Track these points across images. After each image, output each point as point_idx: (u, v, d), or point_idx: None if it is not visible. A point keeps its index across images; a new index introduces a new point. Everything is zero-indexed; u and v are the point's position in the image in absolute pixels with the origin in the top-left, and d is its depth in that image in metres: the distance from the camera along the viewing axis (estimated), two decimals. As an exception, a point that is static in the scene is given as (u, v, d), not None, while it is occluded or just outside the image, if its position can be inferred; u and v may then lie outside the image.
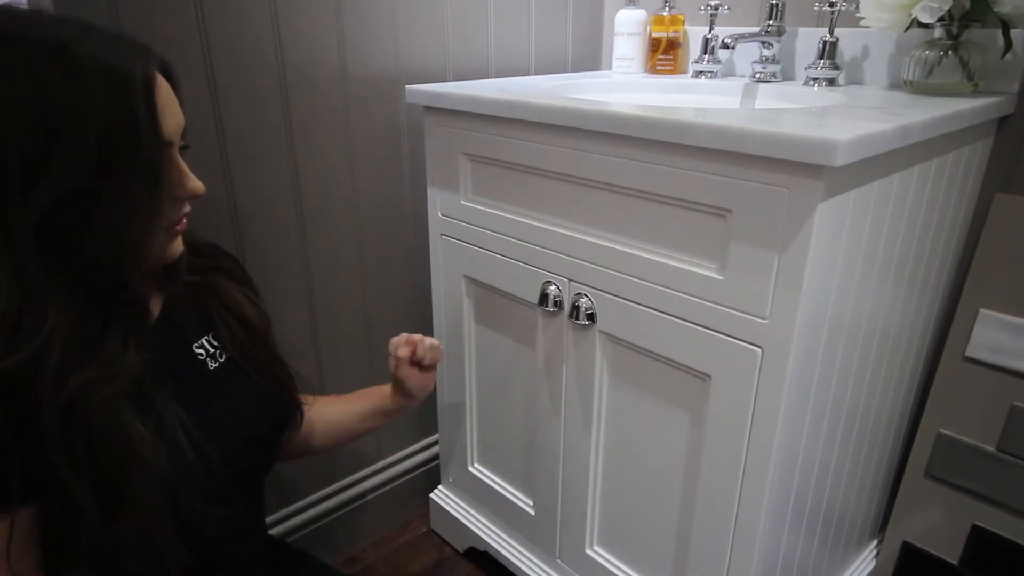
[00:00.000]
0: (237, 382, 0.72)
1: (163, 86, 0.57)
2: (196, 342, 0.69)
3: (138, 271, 0.58)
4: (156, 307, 0.67)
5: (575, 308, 0.90)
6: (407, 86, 1.04)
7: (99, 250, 0.55)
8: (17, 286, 0.51)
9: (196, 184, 0.61)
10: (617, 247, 0.83)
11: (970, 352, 0.99)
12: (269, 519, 1.21)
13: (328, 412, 0.91)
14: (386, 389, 0.94)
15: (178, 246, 0.63)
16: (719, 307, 0.75)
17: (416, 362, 0.90)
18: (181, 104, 0.61)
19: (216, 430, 0.65)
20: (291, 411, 0.78)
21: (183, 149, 0.61)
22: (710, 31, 1.21)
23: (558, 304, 0.92)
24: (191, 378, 0.67)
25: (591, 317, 0.89)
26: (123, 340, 0.57)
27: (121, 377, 0.56)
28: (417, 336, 0.90)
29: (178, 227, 0.62)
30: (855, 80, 1.11)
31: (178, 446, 0.60)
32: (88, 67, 0.52)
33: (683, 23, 1.30)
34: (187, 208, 0.63)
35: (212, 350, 0.70)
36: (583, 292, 0.89)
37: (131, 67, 0.53)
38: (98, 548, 0.55)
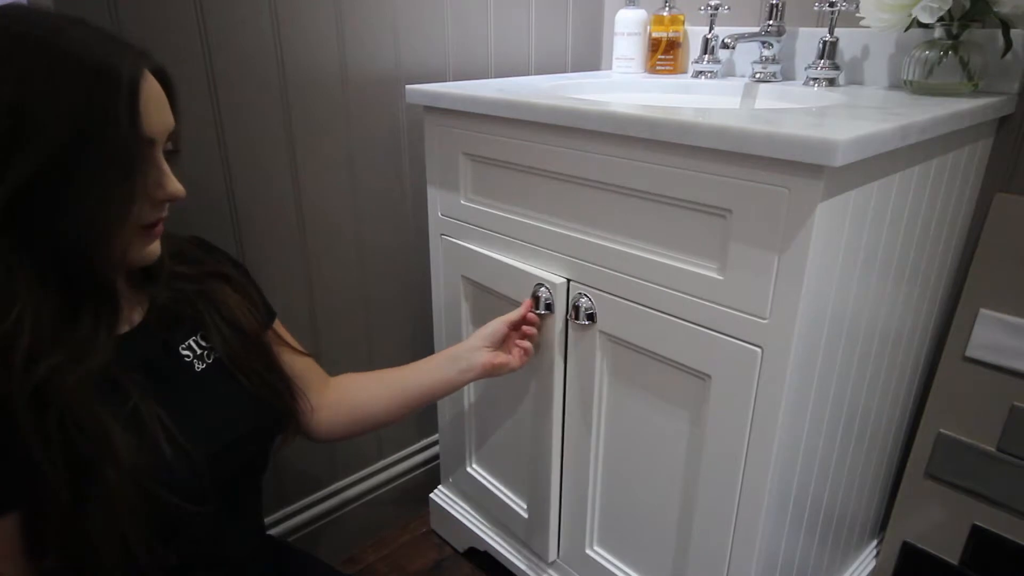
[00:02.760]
0: (224, 384, 0.71)
1: (153, 87, 0.57)
2: (183, 343, 0.69)
3: (108, 260, 0.58)
4: (140, 309, 0.66)
5: (575, 308, 0.89)
6: (407, 86, 1.04)
7: (69, 235, 0.55)
8: None
9: (176, 187, 0.60)
10: (617, 247, 0.83)
11: (970, 352, 0.99)
12: (269, 519, 1.21)
13: (360, 392, 0.89)
14: (444, 366, 0.91)
15: (154, 249, 0.63)
16: (719, 307, 0.75)
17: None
18: (175, 111, 0.61)
19: (200, 430, 0.64)
20: (284, 418, 0.77)
21: (171, 154, 0.61)
22: (710, 31, 1.21)
23: (549, 307, 0.92)
24: (175, 379, 0.67)
25: (591, 317, 0.89)
26: (94, 324, 0.57)
27: (92, 360, 0.56)
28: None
29: (155, 229, 0.62)
30: (855, 80, 1.11)
31: (155, 442, 0.60)
32: (72, 59, 0.52)
33: (683, 23, 1.30)
34: (164, 212, 0.62)
35: (200, 351, 0.70)
36: (583, 292, 0.89)
37: (117, 64, 0.53)
38: (67, 535, 0.55)
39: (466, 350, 0.92)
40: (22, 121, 0.51)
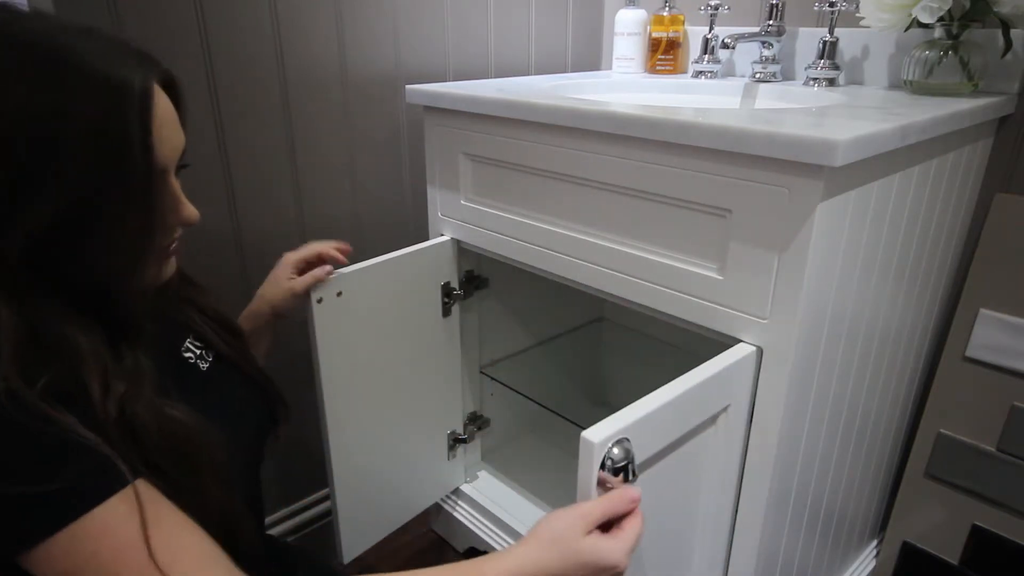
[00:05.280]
0: (232, 379, 0.72)
1: (162, 103, 0.54)
2: (183, 345, 0.69)
3: (131, 292, 0.57)
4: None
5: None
6: (407, 86, 1.04)
7: (89, 277, 0.53)
8: (20, 310, 0.49)
9: (190, 212, 0.59)
10: (617, 247, 0.83)
11: (970, 352, 0.99)
12: (269, 519, 1.21)
13: None
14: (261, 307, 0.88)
15: (170, 267, 0.62)
16: (719, 307, 0.75)
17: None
18: (184, 122, 0.58)
19: (224, 427, 0.64)
20: (280, 403, 0.79)
21: (182, 169, 0.59)
22: (710, 31, 1.21)
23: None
24: (189, 381, 0.67)
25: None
26: (133, 353, 0.56)
27: (147, 385, 0.55)
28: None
29: (171, 248, 0.60)
30: (855, 80, 1.11)
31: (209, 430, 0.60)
32: (83, 74, 0.49)
33: (683, 23, 1.30)
34: (179, 233, 0.60)
35: (199, 350, 0.70)
36: (583, 292, 0.89)
37: (129, 77, 0.50)
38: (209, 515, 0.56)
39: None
40: (42, 154, 0.48)
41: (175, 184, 0.58)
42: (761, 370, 0.73)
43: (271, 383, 0.77)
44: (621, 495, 0.60)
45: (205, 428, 0.57)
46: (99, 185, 0.50)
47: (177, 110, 0.57)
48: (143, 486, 0.51)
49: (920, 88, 0.96)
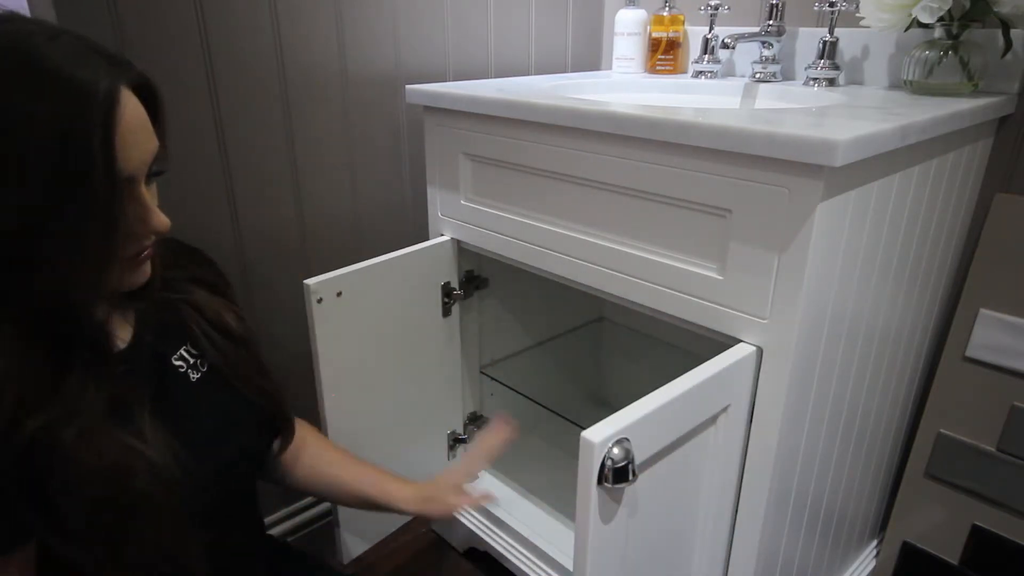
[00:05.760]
0: (222, 392, 0.69)
1: (131, 107, 0.51)
2: (175, 354, 0.66)
3: (92, 310, 0.54)
4: (128, 324, 0.64)
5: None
6: (407, 86, 1.04)
7: (47, 290, 0.51)
8: None
9: (160, 221, 0.55)
10: (617, 247, 0.83)
11: (970, 352, 0.99)
12: (269, 519, 1.21)
13: (325, 456, 0.86)
14: (403, 493, 0.85)
15: (142, 273, 0.58)
16: (719, 307, 0.75)
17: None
18: (160, 129, 0.55)
19: (207, 443, 0.63)
20: (280, 423, 0.76)
21: (156, 176, 0.56)
22: (710, 31, 1.21)
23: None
24: (174, 393, 0.65)
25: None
26: (82, 379, 0.53)
27: (82, 417, 0.52)
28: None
29: (142, 256, 0.57)
30: (855, 80, 1.11)
31: (167, 467, 0.57)
32: (45, 75, 0.47)
33: (683, 23, 1.30)
34: (149, 241, 0.57)
35: (192, 360, 0.67)
36: (583, 292, 0.89)
37: (93, 79, 0.48)
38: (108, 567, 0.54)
39: (437, 494, 0.88)
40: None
41: (144, 192, 0.54)
42: (761, 370, 0.73)
43: (270, 398, 0.73)
44: None
45: (157, 465, 0.55)
46: (59, 191, 0.48)
47: (154, 116, 0.55)
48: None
49: (920, 88, 0.96)
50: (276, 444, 0.77)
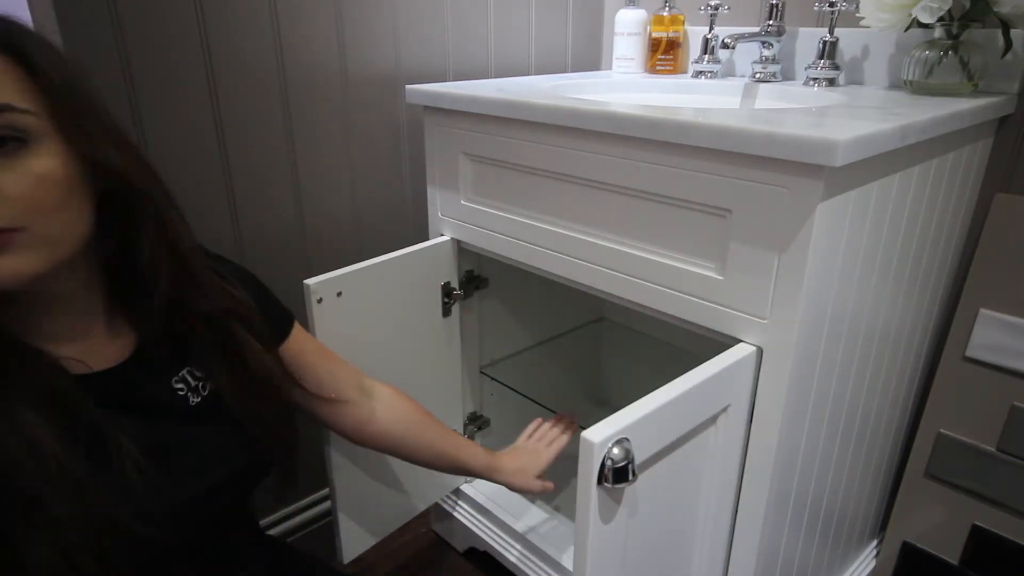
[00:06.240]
0: (218, 419, 0.66)
1: None
2: (176, 375, 0.64)
3: None
4: (127, 342, 0.62)
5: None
6: (407, 86, 1.04)
7: None
8: None
9: None
10: (617, 247, 0.83)
11: (970, 352, 0.99)
12: (269, 519, 1.21)
13: (400, 410, 0.90)
14: (480, 455, 0.93)
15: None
16: (719, 307, 0.75)
17: None
18: (16, 88, 0.47)
19: (188, 465, 0.62)
20: (277, 459, 0.72)
21: (12, 143, 0.46)
22: (710, 31, 1.21)
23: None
24: (166, 413, 0.62)
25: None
26: None
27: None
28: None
29: None
30: (855, 80, 1.11)
31: (122, 474, 0.55)
32: None
33: (683, 23, 1.30)
34: None
35: (194, 383, 0.65)
36: (583, 292, 0.89)
37: None
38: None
39: (509, 471, 0.94)
40: None
41: None
42: (761, 370, 0.73)
43: (272, 436, 0.69)
44: None
45: (52, 466, 0.50)
46: None
47: (12, 76, 0.47)
48: None
49: (920, 88, 0.96)
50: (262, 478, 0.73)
